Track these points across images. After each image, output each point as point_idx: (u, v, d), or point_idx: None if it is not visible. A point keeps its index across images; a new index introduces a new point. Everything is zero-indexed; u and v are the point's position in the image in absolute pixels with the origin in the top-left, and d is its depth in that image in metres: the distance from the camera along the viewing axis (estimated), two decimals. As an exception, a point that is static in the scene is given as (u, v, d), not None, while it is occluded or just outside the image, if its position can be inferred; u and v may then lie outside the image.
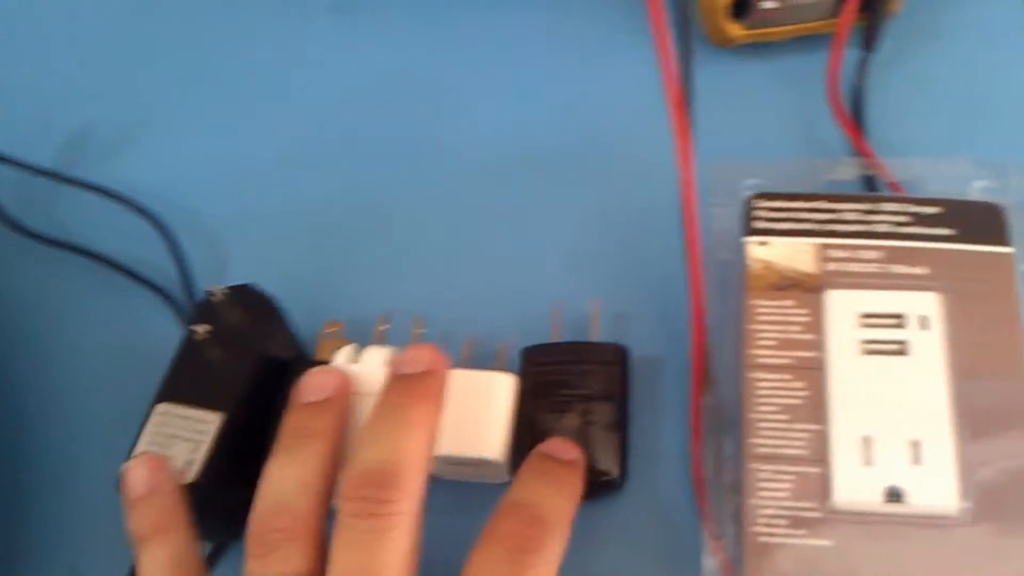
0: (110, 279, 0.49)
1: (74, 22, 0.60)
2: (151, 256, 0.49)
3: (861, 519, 0.36)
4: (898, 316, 0.39)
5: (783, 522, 0.36)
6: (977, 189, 0.43)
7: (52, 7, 0.61)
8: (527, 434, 0.41)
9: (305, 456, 0.35)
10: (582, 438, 0.41)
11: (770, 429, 0.37)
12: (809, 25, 0.50)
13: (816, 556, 0.35)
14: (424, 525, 0.42)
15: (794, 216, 0.42)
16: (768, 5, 0.50)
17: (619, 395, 0.42)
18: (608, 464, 0.40)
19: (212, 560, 0.42)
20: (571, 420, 0.41)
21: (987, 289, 0.39)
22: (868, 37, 0.50)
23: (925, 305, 0.39)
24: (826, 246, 0.41)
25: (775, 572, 0.35)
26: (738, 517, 0.37)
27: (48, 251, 0.50)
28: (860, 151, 0.47)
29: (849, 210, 0.42)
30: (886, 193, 0.45)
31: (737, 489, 0.37)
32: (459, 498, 0.42)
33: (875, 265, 0.40)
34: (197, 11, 0.59)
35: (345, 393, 0.37)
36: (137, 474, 0.36)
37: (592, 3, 0.56)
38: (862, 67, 0.50)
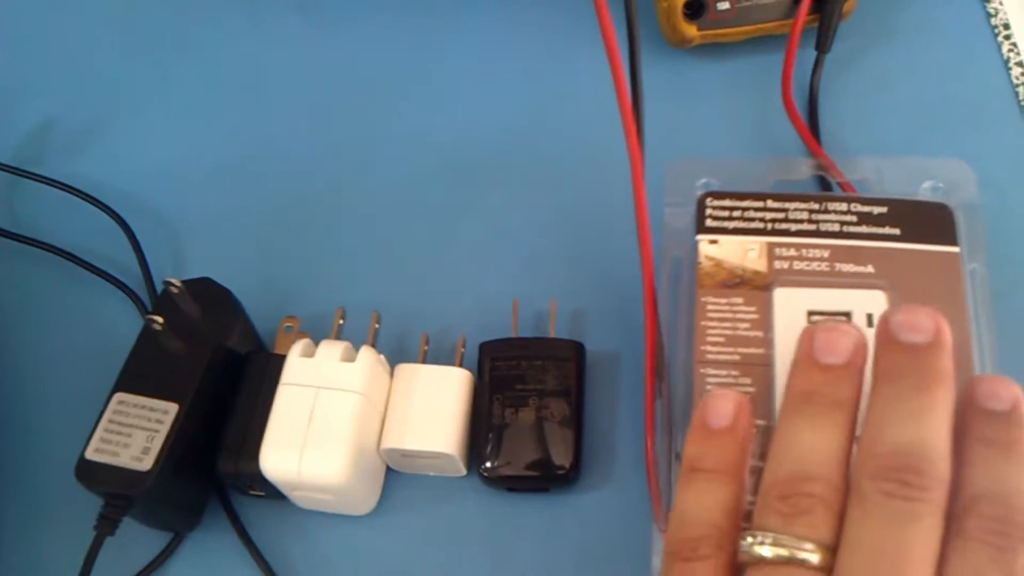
0: (71, 273, 0.49)
1: (35, 17, 0.60)
2: (111, 251, 0.49)
3: None
4: (845, 314, 0.39)
5: None
6: (926, 189, 0.43)
7: (13, 6, 0.60)
8: (483, 428, 0.42)
9: (833, 425, 0.32)
10: (537, 432, 0.41)
11: None
12: (763, 26, 0.51)
13: None
14: (386, 519, 0.42)
15: (744, 215, 0.42)
16: (722, 7, 0.51)
17: (574, 390, 0.42)
18: (562, 458, 0.41)
19: (170, 549, 0.42)
20: (527, 414, 0.42)
21: (934, 288, 0.40)
22: (821, 38, 0.51)
23: (872, 303, 0.40)
24: (774, 244, 0.41)
25: None
26: None
27: (9, 245, 0.50)
28: (813, 151, 0.48)
29: (797, 209, 0.42)
30: (836, 192, 0.46)
31: None
32: (418, 491, 0.43)
33: (823, 263, 0.41)
34: (160, 8, 0.59)
35: (865, 356, 0.34)
36: (723, 406, 0.34)
37: (550, 4, 0.56)
38: (816, 68, 0.51)
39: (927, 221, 0.41)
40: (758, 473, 0.33)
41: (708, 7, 0.51)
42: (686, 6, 0.50)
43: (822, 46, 0.51)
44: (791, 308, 0.40)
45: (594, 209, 0.49)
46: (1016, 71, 0.51)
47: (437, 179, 0.51)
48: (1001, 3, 0.53)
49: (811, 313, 0.40)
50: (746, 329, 0.40)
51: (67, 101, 0.56)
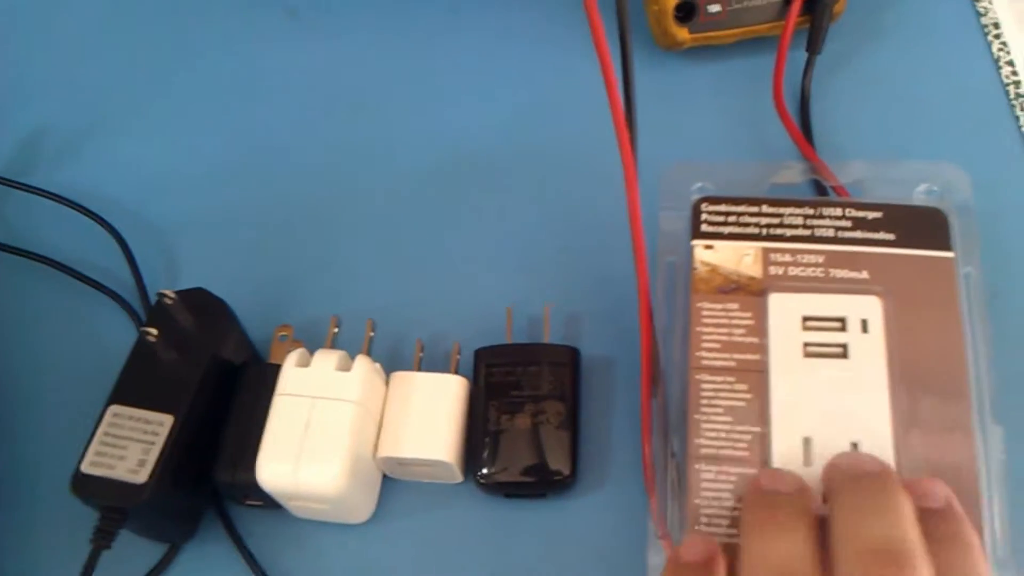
0: (64, 284, 0.49)
1: (23, 27, 0.59)
2: (104, 261, 0.49)
3: None
4: (839, 319, 0.39)
5: (724, 522, 0.36)
6: (921, 193, 0.43)
7: (9, 10, 0.60)
8: (480, 434, 0.42)
9: (803, 529, 0.33)
10: (533, 438, 0.41)
11: (713, 431, 0.38)
12: (754, 28, 0.51)
13: None
14: (383, 526, 0.42)
15: (739, 220, 0.42)
16: (713, 9, 0.51)
17: (570, 395, 0.42)
18: (559, 463, 0.41)
19: (166, 561, 0.42)
20: (523, 420, 0.42)
21: (929, 293, 0.40)
22: (812, 39, 0.51)
23: (866, 309, 0.40)
24: (769, 250, 0.41)
25: None
26: (683, 516, 0.37)
27: (1, 256, 0.50)
28: (805, 153, 0.48)
29: (792, 214, 0.42)
30: (831, 197, 0.46)
31: (683, 488, 0.38)
32: (414, 498, 0.43)
33: (817, 269, 0.41)
34: (149, 16, 0.59)
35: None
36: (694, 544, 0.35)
37: (545, 9, 0.56)
38: (807, 69, 0.51)
39: (921, 226, 0.41)
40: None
41: (699, 10, 0.51)
42: (677, 9, 0.50)
43: (813, 47, 0.51)
44: (786, 314, 0.40)
45: (588, 213, 0.49)
46: (1006, 70, 0.51)
47: (430, 185, 0.51)
48: (991, 2, 0.53)
49: (806, 319, 0.40)
50: (741, 335, 0.40)
51: (59, 109, 0.56)
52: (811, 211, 0.42)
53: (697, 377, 0.39)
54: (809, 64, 0.51)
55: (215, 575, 0.42)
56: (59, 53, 0.58)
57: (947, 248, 0.41)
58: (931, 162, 0.44)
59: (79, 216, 0.50)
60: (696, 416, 0.38)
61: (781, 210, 0.42)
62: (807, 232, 0.42)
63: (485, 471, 0.41)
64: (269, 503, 0.41)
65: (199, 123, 0.55)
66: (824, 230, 0.42)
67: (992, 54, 0.52)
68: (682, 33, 0.51)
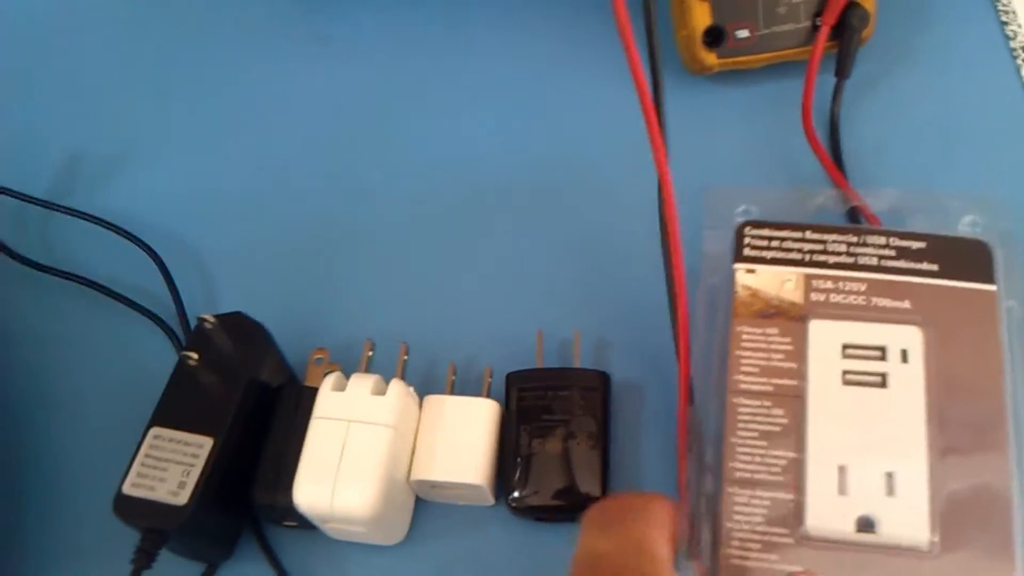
0: (105, 306, 0.50)
1: (67, 52, 0.61)
2: (143, 283, 0.50)
3: (832, 547, 0.36)
4: (880, 348, 0.40)
5: (756, 546, 0.37)
6: (966, 224, 0.43)
7: (45, 38, 0.62)
8: (511, 458, 0.42)
9: None
10: (565, 461, 0.42)
11: (748, 454, 0.38)
12: (783, 53, 0.52)
13: None
14: (416, 548, 0.43)
15: (782, 245, 0.43)
16: (742, 34, 0.51)
17: (601, 420, 0.43)
18: (590, 486, 0.41)
19: (204, 581, 0.43)
20: (554, 444, 0.42)
21: (970, 326, 0.40)
22: (841, 64, 0.51)
23: (907, 339, 0.40)
24: (812, 276, 0.42)
25: None
26: (714, 539, 0.38)
27: (43, 278, 0.51)
28: (834, 179, 0.49)
29: (836, 241, 0.42)
30: (874, 226, 0.46)
31: (714, 510, 0.38)
32: (447, 520, 0.44)
33: (859, 297, 0.41)
34: (187, 43, 0.60)
35: None
36: None
37: (568, 37, 0.57)
38: (836, 94, 0.51)
39: (966, 258, 0.41)
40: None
41: (727, 35, 0.51)
42: (705, 33, 0.51)
43: (842, 72, 0.51)
44: (826, 341, 0.40)
45: (618, 239, 0.50)
46: (1035, 94, 0.51)
47: (461, 209, 0.52)
48: (1020, 26, 0.54)
49: (846, 346, 0.40)
50: (780, 360, 0.40)
51: (95, 136, 0.57)
52: (855, 239, 0.42)
53: (734, 400, 0.39)
54: (838, 89, 0.51)
55: (252, 595, 0.43)
56: (94, 81, 0.60)
57: (990, 281, 0.41)
58: (974, 193, 0.44)
59: (119, 239, 0.51)
60: (732, 439, 0.39)
61: (825, 236, 0.42)
62: (850, 260, 0.42)
63: (516, 494, 0.42)
64: (305, 524, 0.42)
65: (233, 148, 0.56)
66: (867, 258, 0.42)
67: (1020, 78, 0.52)
68: (711, 58, 0.52)
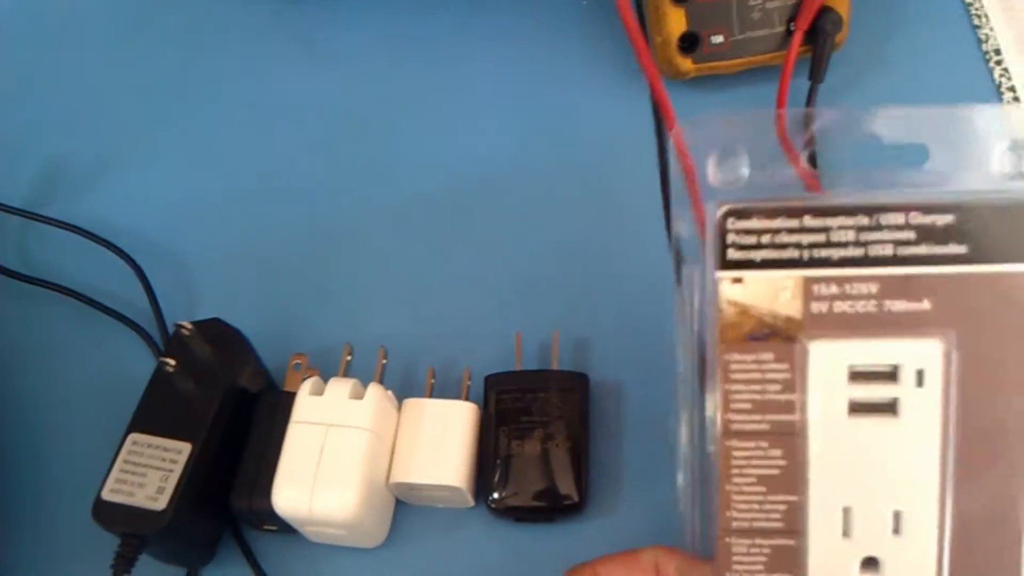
0: (83, 314, 0.50)
1: (42, 60, 0.61)
2: (122, 291, 0.50)
3: None
4: (892, 369, 0.33)
5: None
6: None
7: (20, 47, 0.62)
8: (490, 460, 0.43)
9: None
10: (543, 463, 0.42)
11: (746, 503, 0.34)
12: (757, 58, 0.52)
13: None
14: (396, 550, 0.43)
15: (775, 240, 0.34)
16: (716, 40, 0.52)
17: (579, 421, 0.43)
18: (568, 488, 0.42)
19: (184, 587, 0.43)
20: (532, 445, 0.42)
21: (1008, 326, 0.32)
22: (815, 68, 0.52)
23: (924, 357, 0.33)
24: (812, 280, 0.33)
25: None
26: None
27: (22, 287, 0.51)
28: (808, 183, 0.49)
29: (842, 227, 0.33)
30: (889, 200, 0.34)
31: (711, 561, 0.35)
32: (427, 523, 0.44)
33: (869, 303, 0.33)
34: (166, 49, 0.60)
35: None
36: None
37: (551, 42, 0.57)
38: (810, 98, 0.52)
39: (1005, 229, 0.32)
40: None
41: (702, 41, 0.52)
42: (680, 39, 0.51)
43: (816, 76, 0.52)
44: (829, 366, 0.33)
45: (594, 241, 0.50)
46: (1008, 96, 0.52)
47: (439, 213, 0.52)
48: (992, 29, 0.54)
49: (852, 371, 0.33)
50: (776, 392, 0.34)
51: (75, 142, 0.57)
52: (866, 220, 0.33)
53: (728, 444, 0.34)
54: (812, 93, 0.52)
55: (233, 599, 0.43)
56: (75, 86, 0.60)
57: None
58: None
59: (97, 247, 0.51)
60: (728, 487, 0.34)
61: (828, 222, 0.33)
62: (859, 252, 0.33)
63: (496, 496, 0.42)
64: (285, 528, 0.42)
65: (214, 154, 0.56)
66: (880, 246, 0.33)
67: (994, 80, 0.53)
68: (686, 63, 0.52)
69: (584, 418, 0.44)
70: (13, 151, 0.57)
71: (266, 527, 0.43)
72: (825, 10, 0.51)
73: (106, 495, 0.40)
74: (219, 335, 0.43)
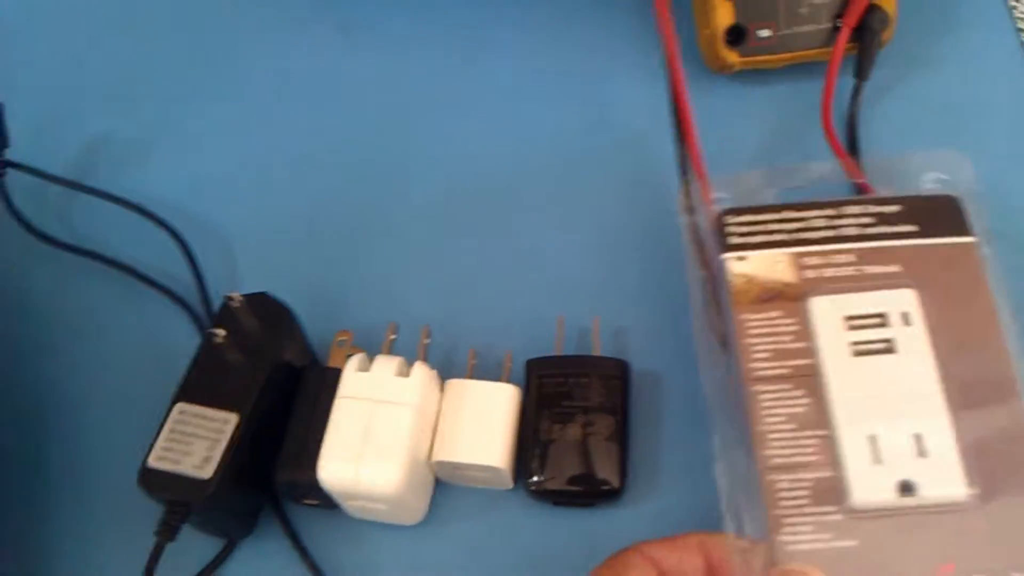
0: (125, 285, 0.51)
1: (91, 32, 0.61)
2: (164, 263, 0.51)
3: (880, 516, 0.36)
4: (880, 315, 0.40)
5: (808, 528, 0.36)
6: (929, 182, 0.44)
7: (69, 18, 0.62)
8: (530, 442, 0.43)
9: None
10: (583, 448, 0.42)
11: (780, 439, 0.38)
12: (803, 54, 0.52)
13: (844, 557, 0.36)
14: (434, 529, 0.44)
15: (765, 228, 0.43)
16: (763, 34, 0.52)
17: (620, 407, 0.43)
18: (608, 473, 0.42)
19: (224, 555, 0.43)
20: (573, 430, 0.43)
21: (958, 278, 0.40)
22: (860, 66, 0.52)
23: (904, 302, 0.40)
24: (801, 254, 0.42)
25: None
26: (763, 528, 0.37)
27: (65, 257, 0.52)
28: (855, 179, 0.49)
29: (815, 217, 0.43)
30: (846, 196, 0.45)
31: (756, 498, 0.37)
32: (465, 502, 0.44)
33: (850, 268, 0.41)
34: (211, 26, 0.61)
35: None
36: None
37: (590, 32, 0.58)
38: (855, 95, 0.52)
39: (940, 214, 0.42)
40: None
41: (749, 34, 0.52)
42: (727, 32, 0.52)
43: (861, 74, 0.52)
44: (829, 316, 0.40)
45: (634, 230, 0.50)
46: (1049, 100, 0.52)
47: (481, 197, 0.52)
48: (1033, 33, 0.54)
49: (848, 318, 0.40)
50: (789, 341, 0.40)
51: (120, 116, 0.58)
52: (832, 212, 0.43)
53: (754, 389, 0.39)
54: (857, 91, 0.52)
55: (271, 570, 0.43)
56: (120, 61, 0.60)
57: (968, 233, 0.41)
58: (933, 151, 0.44)
59: (141, 220, 0.52)
60: (760, 428, 0.38)
61: (803, 214, 0.43)
62: (833, 233, 0.42)
63: (536, 478, 0.42)
64: (325, 503, 0.42)
65: (260, 130, 0.56)
66: (849, 228, 0.42)
67: (1035, 83, 0.53)
68: (732, 56, 0.52)
69: (625, 405, 0.44)
70: (60, 124, 0.57)
71: (306, 501, 0.43)
72: (872, 8, 0.51)
73: (152, 463, 0.40)
74: (266, 309, 0.44)
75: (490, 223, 0.51)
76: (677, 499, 0.43)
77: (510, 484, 0.43)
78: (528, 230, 0.51)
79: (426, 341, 0.46)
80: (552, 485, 0.42)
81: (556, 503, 0.43)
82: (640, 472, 0.44)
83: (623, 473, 0.43)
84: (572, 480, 0.42)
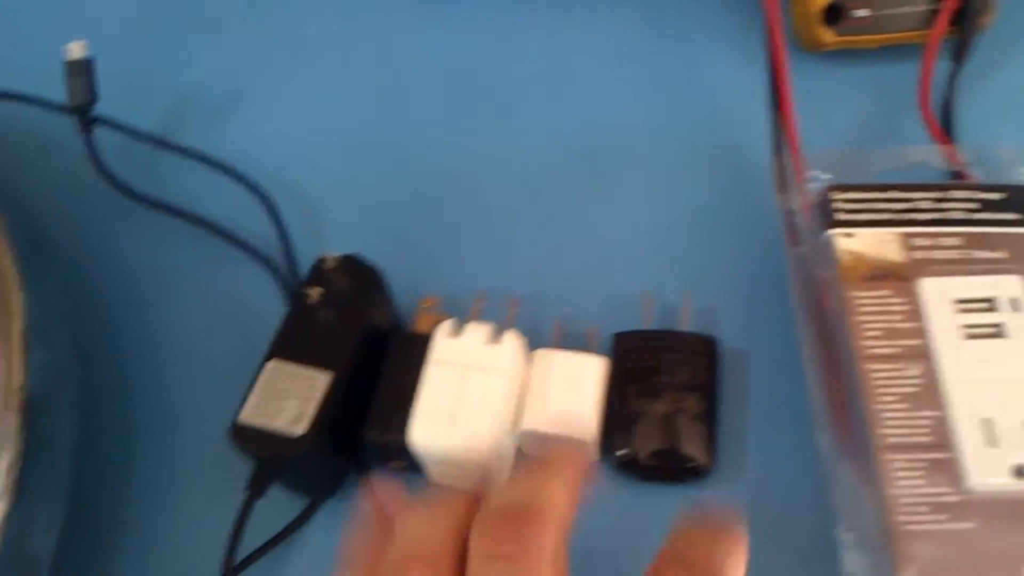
0: (210, 243, 0.51)
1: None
2: (250, 223, 0.51)
3: (996, 498, 0.36)
4: (989, 300, 0.40)
5: (924, 508, 0.36)
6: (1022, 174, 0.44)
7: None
8: (617, 416, 0.43)
9: None
10: (671, 424, 0.42)
11: (894, 418, 0.38)
12: (900, 35, 0.51)
13: (961, 539, 0.35)
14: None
15: (872, 207, 0.43)
16: (861, 13, 0.51)
17: (708, 385, 0.43)
18: (696, 450, 0.42)
19: (307, 515, 0.43)
20: (660, 405, 0.42)
21: None
22: (959, 50, 0.51)
23: (1012, 288, 0.40)
24: (909, 235, 0.42)
25: (925, 559, 0.35)
26: (878, 509, 0.37)
27: (151, 214, 0.52)
28: (954, 166, 0.48)
29: (922, 199, 0.43)
30: (953, 181, 0.46)
31: (871, 478, 0.37)
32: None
33: (957, 252, 0.41)
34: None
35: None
36: None
37: (692, 7, 0.57)
38: (952, 80, 0.51)
39: None
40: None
41: (846, 13, 0.51)
42: (825, 11, 0.51)
43: (960, 58, 0.51)
44: (939, 298, 0.40)
45: (726, 203, 0.50)
46: None
47: (576, 171, 0.52)
48: None
49: (958, 301, 0.40)
50: (900, 321, 0.40)
51: (206, 76, 0.58)
52: (939, 194, 0.43)
53: (866, 367, 0.39)
54: (955, 75, 0.51)
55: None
56: (212, 22, 0.60)
57: None
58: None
59: (226, 179, 0.52)
60: (874, 406, 0.38)
61: (910, 195, 0.43)
62: (939, 216, 0.42)
63: (621, 452, 0.42)
64: (411, 467, 0.42)
65: (344, 96, 0.56)
66: (955, 212, 0.42)
67: None
68: (828, 35, 0.51)
69: (714, 381, 0.43)
70: (147, 82, 0.58)
71: (392, 464, 0.43)
72: (974, -10, 0.50)
73: (244, 418, 0.40)
74: (357, 270, 0.44)
75: (580, 198, 0.51)
76: (765, 478, 0.42)
77: (595, 457, 0.43)
78: (618, 206, 0.50)
79: (514, 311, 0.45)
80: (640, 459, 0.42)
81: (644, 478, 0.43)
82: (728, 450, 0.43)
83: (711, 450, 0.42)
84: (660, 455, 0.42)
